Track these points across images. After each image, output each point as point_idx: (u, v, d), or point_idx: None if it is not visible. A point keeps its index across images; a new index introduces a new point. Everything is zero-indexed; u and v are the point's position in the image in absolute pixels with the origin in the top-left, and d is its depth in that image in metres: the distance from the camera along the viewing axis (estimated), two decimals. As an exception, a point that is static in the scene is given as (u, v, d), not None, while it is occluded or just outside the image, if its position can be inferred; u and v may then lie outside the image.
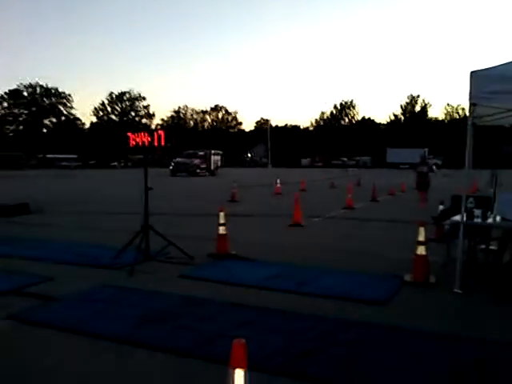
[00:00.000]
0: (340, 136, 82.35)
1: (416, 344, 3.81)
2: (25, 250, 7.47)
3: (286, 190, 19.60)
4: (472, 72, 4.85)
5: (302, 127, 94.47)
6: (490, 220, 5.53)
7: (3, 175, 38.09)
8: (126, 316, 4.42)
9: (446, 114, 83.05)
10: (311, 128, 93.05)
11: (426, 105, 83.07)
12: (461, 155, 5.93)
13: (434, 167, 11.26)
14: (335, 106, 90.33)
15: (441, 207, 7.92)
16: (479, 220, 5.38)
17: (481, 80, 4.78)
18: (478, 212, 5.45)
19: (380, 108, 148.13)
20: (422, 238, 5.63)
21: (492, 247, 6.60)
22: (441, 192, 9.81)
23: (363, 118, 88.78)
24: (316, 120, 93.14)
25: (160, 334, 3.97)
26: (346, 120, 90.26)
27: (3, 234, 9.00)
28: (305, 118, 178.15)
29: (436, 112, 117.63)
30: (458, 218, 5.50)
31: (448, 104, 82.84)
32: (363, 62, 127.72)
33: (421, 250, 5.61)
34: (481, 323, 4.34)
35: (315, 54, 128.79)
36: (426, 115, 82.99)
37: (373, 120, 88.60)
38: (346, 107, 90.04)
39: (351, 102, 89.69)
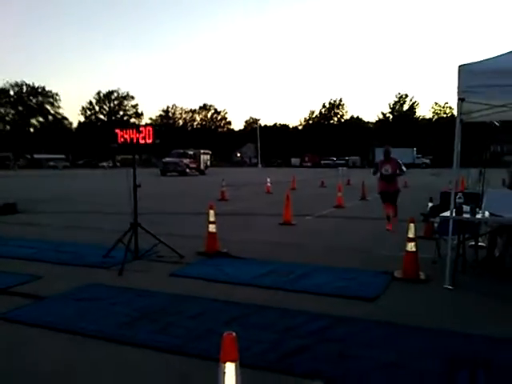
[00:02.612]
0: (329, 135, 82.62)
1: (407, 340, 3.81)
2: (13, 249, 7.37)
3: (276, 189, 19.60)
4: (460, 66, 4.88)
5: (291, 127, 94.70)
6: (478, 215, 5.57)
7: (-11, 175, 37.57)
8: (116, 314, 4.37)
9: (433, 113, 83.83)
10: (300, 127, 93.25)
11: (413, 104, 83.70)
12: (449, 154, 5.97)
13: (404, 167, 9.57)
14: (324, 105, 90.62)
15: (430, 204, 7.97)
16: (468, 216, 5.41)
17: (469, 74, 4.81)
18: (466, 208, 5.49)
19: (368, 107, 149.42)
20: (411, 234, 5.65)
21: (480, 243, 6.68)
22: (429, 190, 9.88)
23: (352, 117, 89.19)
24: (305, 119, 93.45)
25: (150, 332, 3.93)
26: (335, 119, 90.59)
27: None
28: (294, 118, 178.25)
29: (424, 111, 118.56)
30: (447, 214, 5.53)
31: (436, 103, 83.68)
32: (352, 61, 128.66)
33: (411, 247, 5.64)
34: (473, 319, 4.36)
35: (304, 52, 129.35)
36: (414, 114, 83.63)
37: (361, 119, 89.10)
38: (334, 106, 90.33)
39: (340, 100, 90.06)
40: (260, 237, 8.80)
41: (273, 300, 4.84)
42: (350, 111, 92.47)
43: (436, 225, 6.76)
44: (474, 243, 6.49)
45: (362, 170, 55.28)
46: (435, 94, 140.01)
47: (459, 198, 5.41)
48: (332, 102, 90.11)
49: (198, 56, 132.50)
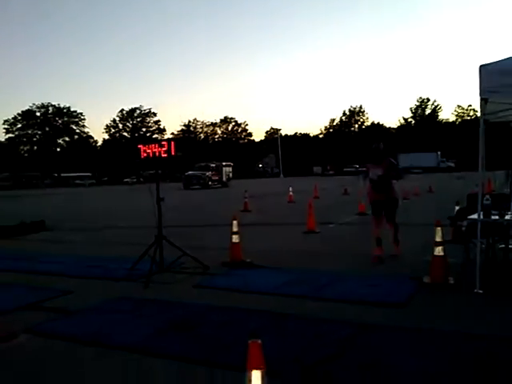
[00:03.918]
0: (351, 143, 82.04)
1: (439, 346, 3.72)
2: (43, 265, 7.55)
3: (298, 199, 19.54)
4: (481, 66, 4.78)
5: (311, 135, 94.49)
6: (507, 217, 5.42)
7: (20, 194, 38.75)
8: (143, 326, 4.40)
9: (456, 116, 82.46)
10: (321, 136, 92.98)
11: (436, 107, 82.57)
12: (474, 157, 5.81)
13: (401, 171, 9.06)
14: (344, 113, 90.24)
15: (457, 207, 7.81)
16: (497, 217, 5.27)
17: (491, 73, 4.71)
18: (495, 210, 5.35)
19: (389, 112, 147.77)
20: (439, 238, 5.54)
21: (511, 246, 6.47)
22: (455, 194, 9.68)
23: (373, 124, 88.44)
24: (326, 127, 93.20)
25: (177, 343, 3.94)
26: (356, 126, 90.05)
27: (22, 251, 9.14)
28: (314, 126, 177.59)
29: (446, 114, 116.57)
30: (475, 216, 5.40)
31: (458, 106, 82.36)
32: (370, 67, 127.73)
33: (438, 251, 5.51)
34: (506, 322, 4.23)
35: (322, 60, 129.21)
36: (437, 118, 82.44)
37: (382, 125, 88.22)
38: (355, 113, 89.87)
39: (360, 107, 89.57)
40: (284, 246, 8.77)
41: (299, 308, 4.80)
42: (370, 117, 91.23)
43: (464, 228, 6.61)
44: (504, 246, 6.31)
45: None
46: (457, 97, 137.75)
47: (487, 199, 5.28)
48: (352, 108, 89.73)
49: (217, 69, 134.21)
